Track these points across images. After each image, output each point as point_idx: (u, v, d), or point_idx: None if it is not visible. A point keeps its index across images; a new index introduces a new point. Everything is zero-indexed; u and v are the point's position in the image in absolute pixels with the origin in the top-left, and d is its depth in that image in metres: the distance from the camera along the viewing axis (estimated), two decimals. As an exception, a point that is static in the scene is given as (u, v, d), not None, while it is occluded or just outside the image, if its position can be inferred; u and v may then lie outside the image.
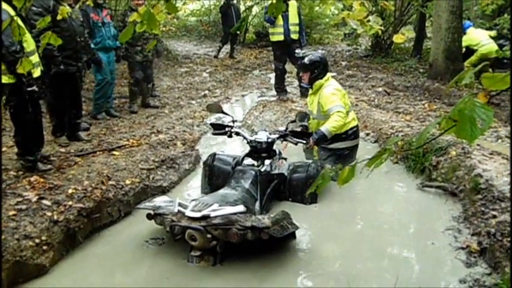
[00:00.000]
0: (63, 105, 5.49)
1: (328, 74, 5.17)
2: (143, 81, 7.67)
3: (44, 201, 3.73)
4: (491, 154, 4.68)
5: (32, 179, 4.13)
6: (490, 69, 8.03)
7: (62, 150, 5.20)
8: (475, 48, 9.56)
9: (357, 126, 5.24)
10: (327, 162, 4.98)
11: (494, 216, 3.65)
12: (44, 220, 3.53)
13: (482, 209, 3.86)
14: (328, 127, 4.87)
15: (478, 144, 4.88)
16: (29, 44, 4.25)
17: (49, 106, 5.61)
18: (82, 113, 5.99)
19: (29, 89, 4.17)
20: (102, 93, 6.88)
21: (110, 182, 4.35)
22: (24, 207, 3.60)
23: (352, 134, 5.18)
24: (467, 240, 3.70)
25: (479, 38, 9.66)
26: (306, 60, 5.19)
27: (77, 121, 5.72)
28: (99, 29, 6.63)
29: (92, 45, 6.25)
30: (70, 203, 3.81)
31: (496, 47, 9.48)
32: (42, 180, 4.13)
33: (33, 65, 3.96)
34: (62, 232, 3.59)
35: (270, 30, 8.48)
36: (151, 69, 8.22)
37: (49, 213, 3.61)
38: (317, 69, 5.09)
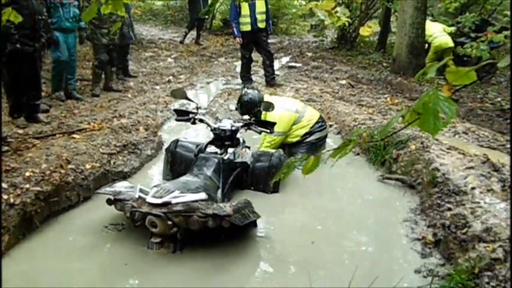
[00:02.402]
0: (20, 86, 5.32)
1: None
2: (107, 64, 7.52)
3: (0, 184, 3.62)
4: (448, 149, 4.80)
5: (-13, 160, 3.99)
6: (452, 63, 8.24)
7: (20, 131, 5.04)
8: (428, 40, 9.78)
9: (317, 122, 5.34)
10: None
11: (450, 209, 3.75)
12: (-1, 203, 3.42)
13: (438, 201, 3.97)
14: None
15: (436, 139, 5.01)
16: (-13, 20, 4.08)
17: (6, 86, 5.42)
18: (41, 94, 5.82)
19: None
20: (56, 72, 6.76)
21: (69, 166, 4.25)
22: (-22, 189, 3.48)
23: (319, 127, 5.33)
24: (423, 231, 3.80)
25: (433, 30, 9.88)
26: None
27: (35, 102, 5.56)
28: (57, 9, 6.39)
29: None
30: (27, 186, 3.71)
31: (448, 40, 9.72)
32: (-2, 162, 4.00)
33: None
34: (18, 215, 3.49)
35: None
36: (126, 53, 8.21)
37: (5, 196, 3.49)
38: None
